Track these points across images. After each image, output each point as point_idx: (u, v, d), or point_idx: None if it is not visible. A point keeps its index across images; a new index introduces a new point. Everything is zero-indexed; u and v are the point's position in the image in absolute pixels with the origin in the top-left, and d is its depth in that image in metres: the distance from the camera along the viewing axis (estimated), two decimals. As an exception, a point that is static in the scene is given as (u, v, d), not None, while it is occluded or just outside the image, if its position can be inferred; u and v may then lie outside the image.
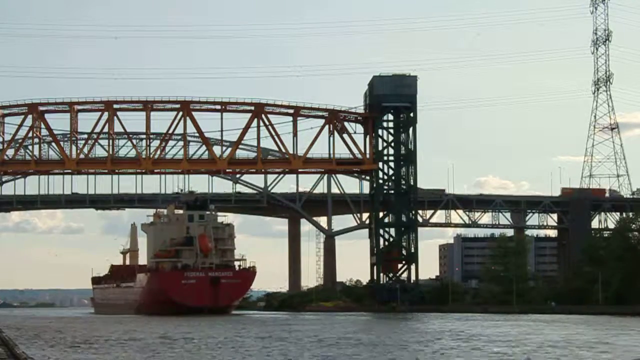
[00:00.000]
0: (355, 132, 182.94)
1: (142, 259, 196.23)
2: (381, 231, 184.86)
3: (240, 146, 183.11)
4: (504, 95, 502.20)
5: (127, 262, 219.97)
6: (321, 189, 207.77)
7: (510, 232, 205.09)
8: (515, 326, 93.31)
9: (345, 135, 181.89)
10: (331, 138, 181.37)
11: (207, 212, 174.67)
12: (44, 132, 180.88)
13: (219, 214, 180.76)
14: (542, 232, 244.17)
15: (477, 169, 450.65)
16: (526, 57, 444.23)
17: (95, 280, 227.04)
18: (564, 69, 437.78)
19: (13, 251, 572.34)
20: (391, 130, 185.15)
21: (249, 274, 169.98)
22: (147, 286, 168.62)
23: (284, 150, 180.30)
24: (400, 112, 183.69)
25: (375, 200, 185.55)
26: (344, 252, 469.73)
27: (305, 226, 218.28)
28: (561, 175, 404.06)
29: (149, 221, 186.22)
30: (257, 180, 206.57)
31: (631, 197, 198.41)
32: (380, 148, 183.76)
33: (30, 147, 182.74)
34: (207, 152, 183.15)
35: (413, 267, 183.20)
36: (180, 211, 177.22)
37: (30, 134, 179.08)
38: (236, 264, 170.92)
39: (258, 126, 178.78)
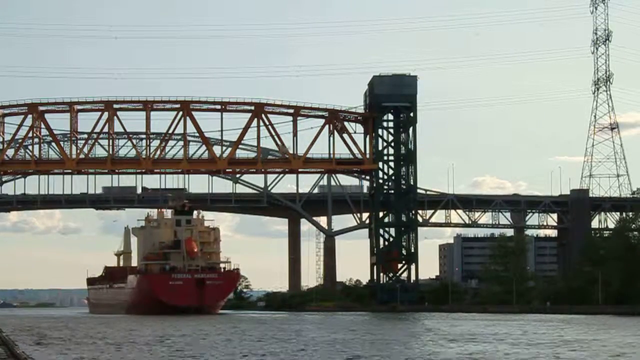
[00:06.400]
0: (355, 132, 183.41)
1: (135, 261, 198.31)
2: (381, 231, 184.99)
3: (240, 146, 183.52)
4: (504, 95, 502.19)
5: (121, 264, 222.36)
6: (321, 189, 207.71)
7: (510, 232, 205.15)
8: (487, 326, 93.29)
9: (345, 135, 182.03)
10: (331, 138, 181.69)
11: (194, 217, 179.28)
12: (44, 132, 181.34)
13: (205, 218, 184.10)
14: (542, 232, 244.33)
15: (475, 169, 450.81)
16: (526, 57, 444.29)
17: (90, 281, 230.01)
18: (564, 69, 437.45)
19: (13, 251, 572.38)
20: (391, 130, 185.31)
21: (234, 275, 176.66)
22: (137, 287, 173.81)
23: (284, 150, 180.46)
24: (400, 112, 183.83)
25: (375, 200, 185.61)
26: (344, 252, 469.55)
27: (305, 226, 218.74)
28: (561, 175, 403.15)
29: (139, 225, 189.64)
30: (257, 180, 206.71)
31: (631, 197, 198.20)
32: (380, 148, 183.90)
33: (30, 147, 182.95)
34: (207, 152, 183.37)
35: (413, 267, 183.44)
36: (169, 215, 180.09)
37: (30, 134, 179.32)
38: (221, 266, 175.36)
39: (258, 126, 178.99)
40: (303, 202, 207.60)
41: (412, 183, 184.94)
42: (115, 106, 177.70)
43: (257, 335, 75.86)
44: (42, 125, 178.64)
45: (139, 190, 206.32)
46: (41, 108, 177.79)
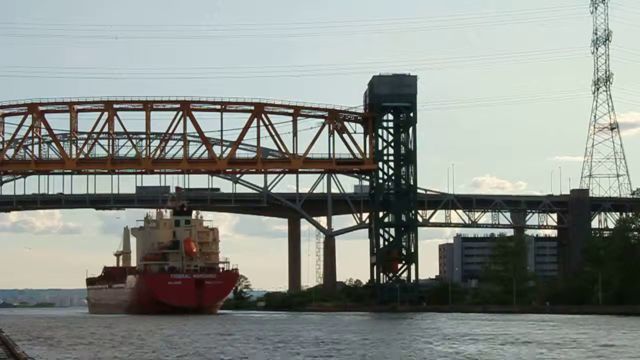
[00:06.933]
0: (355, 132, 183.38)
1: (134, 261, 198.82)
2: (381, 231, 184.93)
3: (240, 146, 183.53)
4: (504, 95, 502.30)
5: (121, 264, 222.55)
6: (321, 189, 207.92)
7: (510, 232, 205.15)
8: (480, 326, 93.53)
9: (345, 135, 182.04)
10: (331, 138, 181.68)
11: (193, 217, 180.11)
12: (44, 132, 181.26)
13: (204, 218, 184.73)
14: (542, 232, 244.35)
15: (475, 169, 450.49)
16: (526, 57, 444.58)
17: (90, 281, 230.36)
18: (564, 69, 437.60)
19: (13, 251, 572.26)
20: (391, 130, 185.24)
21: (232, 275, 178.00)
22: (136, 287, 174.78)
23: (284, 150, 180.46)
24: (400, 112, 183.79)
25: (375, 200, 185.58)
26: (344, 252, 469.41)
27: (305, 226, 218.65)
28: (561, 175, 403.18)
29: (139, 225, 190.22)
30: (257, 180, 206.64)
31: (631, 197, 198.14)
32: (380, 148, 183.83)
33: (30, 147, 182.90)
34: (207, 152, 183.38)
35: (413, 267, 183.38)
36: (168, 216, 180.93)
37: (30, 134, 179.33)
38: (220, 266, 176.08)
39: (258, 126, 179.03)
40: (303, 202, 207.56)
41: (412, 183, 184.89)
42: (115, 106, 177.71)
43: (256, 335, 75.88)
44: (42, 125, 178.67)
45: (172, 190, 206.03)
46: (41, 108, 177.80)
